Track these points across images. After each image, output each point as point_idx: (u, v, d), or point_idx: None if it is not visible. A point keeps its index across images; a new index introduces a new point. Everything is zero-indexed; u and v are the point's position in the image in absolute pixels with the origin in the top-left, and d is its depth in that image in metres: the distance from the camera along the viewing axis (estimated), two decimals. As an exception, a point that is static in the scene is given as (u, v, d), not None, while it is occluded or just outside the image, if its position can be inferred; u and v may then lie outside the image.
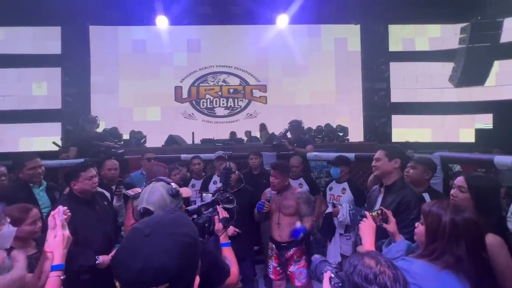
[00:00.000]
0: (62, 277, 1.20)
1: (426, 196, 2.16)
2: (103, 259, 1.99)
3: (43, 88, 8.31)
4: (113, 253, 1.82)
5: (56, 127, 8.10)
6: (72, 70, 8.22)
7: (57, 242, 1.23)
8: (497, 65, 7.97)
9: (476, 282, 1.04)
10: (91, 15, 8.08)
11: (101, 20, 8.21)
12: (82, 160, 3.47)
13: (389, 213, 1.61)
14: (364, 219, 1.52)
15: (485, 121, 8.31)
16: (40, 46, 8.15)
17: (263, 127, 7.15)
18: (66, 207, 1.37)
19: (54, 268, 1.19)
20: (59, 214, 1.28)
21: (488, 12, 7.60)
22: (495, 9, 7.61)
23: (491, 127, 8.19)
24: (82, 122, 4.78)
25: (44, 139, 7.34)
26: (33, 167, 2.54)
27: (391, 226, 1.57)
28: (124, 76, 8.59)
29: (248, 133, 7.37)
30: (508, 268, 1.28)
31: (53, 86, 8.26)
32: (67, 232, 1.27)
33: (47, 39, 8.20)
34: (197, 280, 0.73)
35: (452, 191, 1.57)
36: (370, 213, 1.55)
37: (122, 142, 6.36)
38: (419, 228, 1.20)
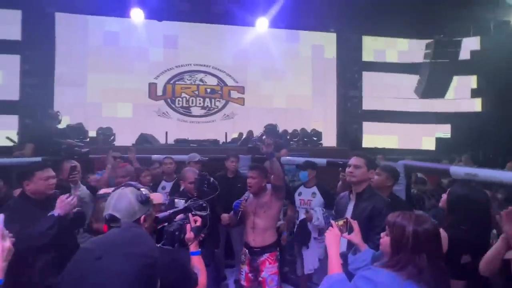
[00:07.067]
0: None
1: None
2: None
3: (-2, 76, 7.53)
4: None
5: (12, 120, 7.34)
6: (34, 59, 7.55)
7: None
8: (456, 80, 8.74)
9: None
10: (58, 1, 7.49)
11: (69, 7, 7.61)
12: (38, 158, 3.11)
13: (355, 223, 1.58)
14: (330, 228, 1.51)
15: (444, 130, 9.11)
16: (-4, 30, 7.38)
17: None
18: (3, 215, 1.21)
19: None
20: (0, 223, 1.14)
21: (447, 31, 8.34)
22: (453, 29, 8.36)
23: (449, 136, 9.01)
24: (42, 116, 4.38)
25: (-3, 133, 6.64)
26: None
27: (356, 236, 1.57)
28: (93, 69, 8.05)
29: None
30: None
31: (10, 75, 7.52)
32: (7, 243, 1.12)
33: (5, 23, 7.43)
34: None
35: None
36: (336, 222, 1.55)
37: (88, 139, 5.98)
38: (384, 239, 1.24)
